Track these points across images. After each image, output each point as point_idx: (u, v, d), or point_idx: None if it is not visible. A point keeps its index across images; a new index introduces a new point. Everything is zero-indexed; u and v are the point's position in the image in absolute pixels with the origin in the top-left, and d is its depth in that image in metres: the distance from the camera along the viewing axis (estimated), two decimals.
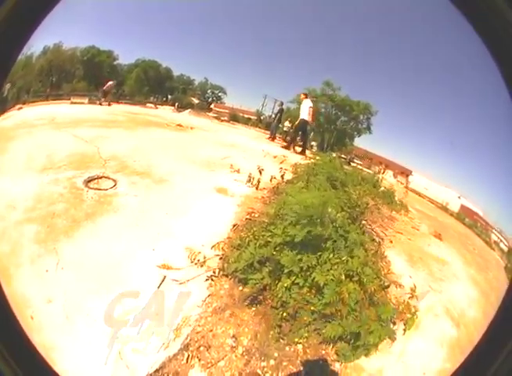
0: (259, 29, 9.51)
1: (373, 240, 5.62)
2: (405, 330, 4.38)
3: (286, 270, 4.21)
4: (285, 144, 9.94)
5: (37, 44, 8.01)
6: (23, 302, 3.62)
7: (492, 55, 2.15)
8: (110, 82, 10.05)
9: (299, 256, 4.27)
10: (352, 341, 3.97)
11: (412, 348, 4.25)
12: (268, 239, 4.56)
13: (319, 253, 4.35)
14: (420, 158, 8.35)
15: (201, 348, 3.69)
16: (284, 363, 3.80)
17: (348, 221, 5.07)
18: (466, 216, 7.92)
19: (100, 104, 10.01)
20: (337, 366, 3.90)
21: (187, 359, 3.59)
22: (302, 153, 9.20)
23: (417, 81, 8.40)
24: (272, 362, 3.77)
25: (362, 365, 3.93)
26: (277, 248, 4.40)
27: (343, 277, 4.21)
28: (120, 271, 4.31)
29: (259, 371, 3.67)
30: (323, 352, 4.00)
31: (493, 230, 7.01)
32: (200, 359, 3.60)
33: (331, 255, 4.39)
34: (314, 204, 4.50)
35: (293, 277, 4.21)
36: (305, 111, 8.82)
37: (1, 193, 5.27)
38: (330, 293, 4.05)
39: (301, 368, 3.82)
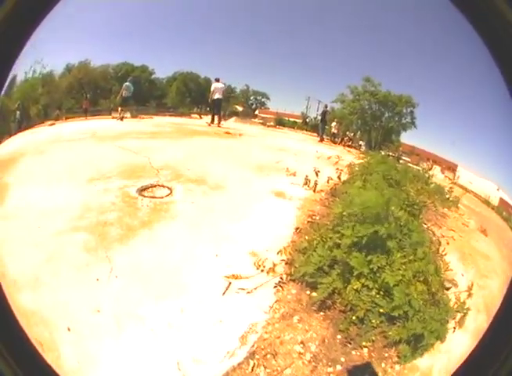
0: (295, 31, 9.08)
1: (437, 240, 5.26)
2: (455, 328, 3.99)
3: (356, 273, 3.87)
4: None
5: (53, 62, 7.71)
6: (56, 315, 3.35)
7: (492, 55, 2.08)
8: (85, 101, 9.39)
9: (369, 257, 3.93)
10: (414, 342, 3.63)
11: (455, 344, 3.79)
12: (337, 240, 4.24)
13: (388, 253, 4.01)
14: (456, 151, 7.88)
15: (268, 356, 3.35)
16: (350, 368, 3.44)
17: (412, 219, 4.72)
18: (503, 209, 7.34)
19: (121, 119, 9.43)
20: (396, 369, 3.54)
21: (252, 367, 3.23)
22: (218, 124, 9.94)
23: (416, 81, 8.03)
24: (338, 367, 3.41)
25: (417, 364, 3.59)
26: (346, 250, 4.07)
27: (411, 277, 3.87)
28: (181, 278, 4.02)
29: None
30: (386, 354, 3.63)
31: None
32: (265, 368, 3.26)
33: (398, 255, 4.04)
34: (378, 203, 4.16)
35: (363, 279, 3.87)
36: (218, 92, 9.48)
37: (34, 203, 4.99)
38: (400, 295, 3.70)
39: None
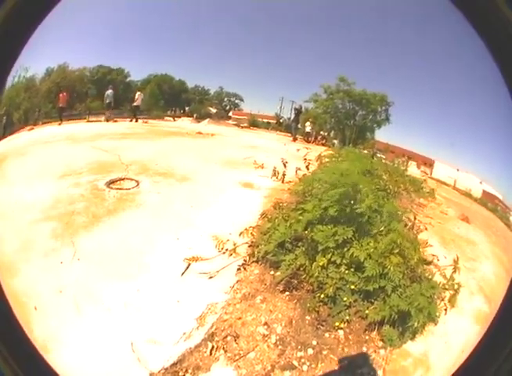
0: (269, 32, 8.95)
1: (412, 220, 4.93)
2: (446, 309, 3.61)
3: (321, 247, 3.49)
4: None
5: (36, 66, 7.57)
6: (27, 295, 3.23)
7: (491, 55, 1.95)
8: (62, 95, 8.91)
9: (334, 229, 3.54)
10: (399, 323, 3.24)
11: (452, 327, 3.53)
12: (299, 217, 3.88)
13: (355, 226, 3.61)
14: (438, 147, 7.72)
15: (228, 338, 3.07)
16: (324, 352, 3.07)
17: (382, 194, 4.37)
18: (488, 201, 7.31)
19: (107, 121, 9.43)
20: (381, 354, 3.15)
21: (211, 350, 2.97)
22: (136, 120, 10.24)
23: (417, 81, 7.79)
24: (310, 351, 3.06)
25: (407, 349, 3.22)
26: (309, 227, 3.71)
27: (383, 247, 3.46)
28: (141, 260, 3.88)
29: (295, 362, 2.95)
30: (367, 337, 3.25)
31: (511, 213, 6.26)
32: (226, 351, 2.98)
33: (368, 228, 3.67)
34: (350, 171, 3.87)
35: (329, 254, 3.48)
36: (138, 100, 9.96)
37: (14, 198, 4.91)
38: (372, 265, 3.32)
39: (343, 357, 3.08)
